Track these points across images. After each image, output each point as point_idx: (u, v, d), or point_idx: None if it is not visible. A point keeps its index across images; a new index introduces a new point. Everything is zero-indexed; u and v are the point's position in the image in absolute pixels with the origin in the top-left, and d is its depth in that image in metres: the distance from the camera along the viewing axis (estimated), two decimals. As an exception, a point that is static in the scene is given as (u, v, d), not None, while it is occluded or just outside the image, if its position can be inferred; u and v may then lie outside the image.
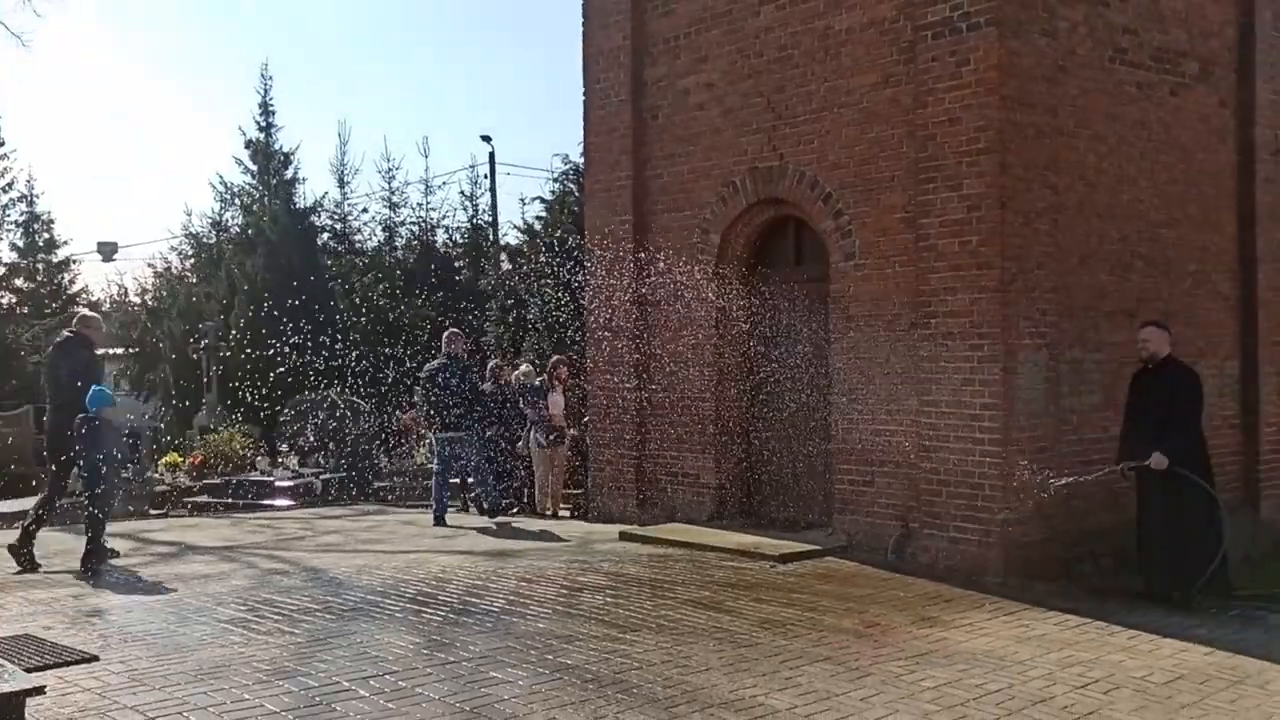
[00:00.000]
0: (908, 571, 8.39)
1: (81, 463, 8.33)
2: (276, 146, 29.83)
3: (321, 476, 15.38)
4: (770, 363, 10.46)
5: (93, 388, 8.42)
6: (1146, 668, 5.86)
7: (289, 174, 29.65)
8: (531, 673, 5.46)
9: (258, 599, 7.17)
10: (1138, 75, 9.44)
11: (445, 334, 11.89)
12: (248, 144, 29.94)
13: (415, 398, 12.00)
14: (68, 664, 5.42)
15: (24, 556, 8.44)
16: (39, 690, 4.57)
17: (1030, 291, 8.47)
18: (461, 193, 35.35)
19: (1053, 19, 8.68)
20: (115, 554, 8.60)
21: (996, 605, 7.33)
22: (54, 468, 8.70)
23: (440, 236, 30.24)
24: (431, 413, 11.38)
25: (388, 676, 5.33)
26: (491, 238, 30.10)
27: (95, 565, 8.23)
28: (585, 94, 11.71)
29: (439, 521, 11.18)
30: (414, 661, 5.62)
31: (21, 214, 32.58)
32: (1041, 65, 8.61)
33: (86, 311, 10.09)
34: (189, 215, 51.68)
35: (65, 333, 9.29)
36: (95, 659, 5.55)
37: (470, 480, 12.35)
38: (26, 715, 4.43)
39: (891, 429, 9.02)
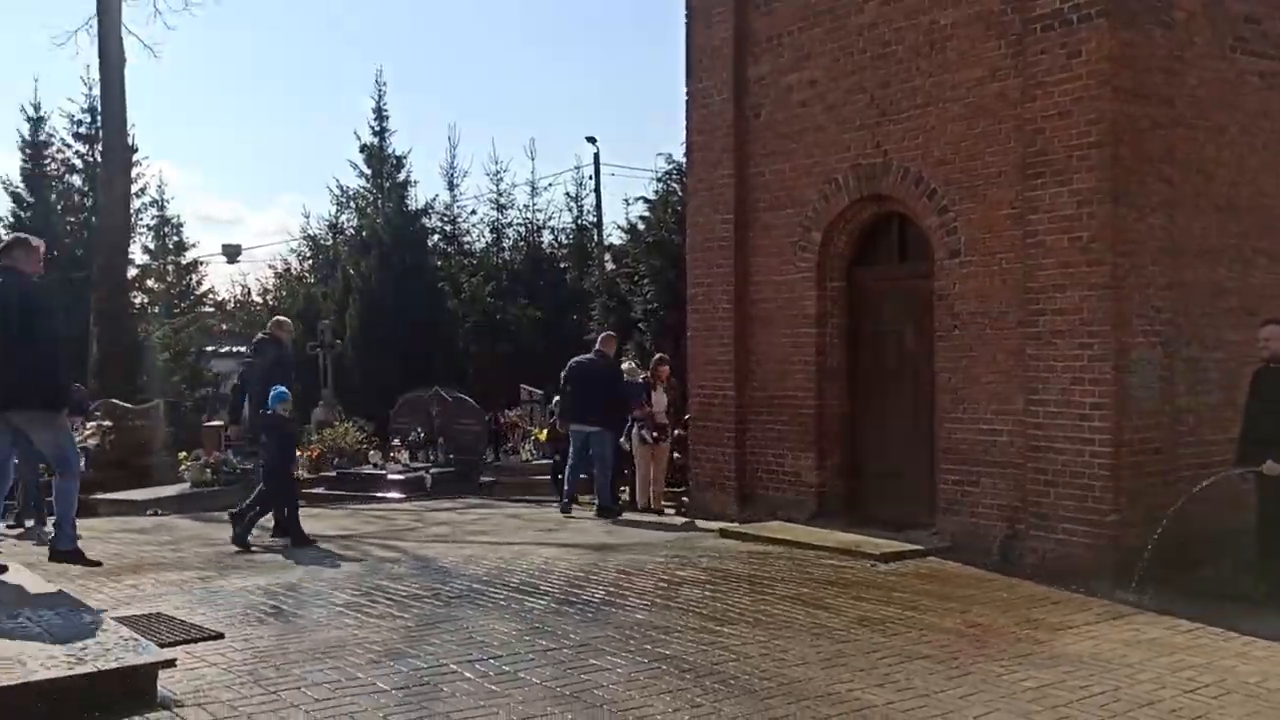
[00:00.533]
0: (1013, 573, 8.27)
1: (264, 454, 9.51)
2: (390, 151, 30.57)
3: (431, 471, 15.78)
4: (873, 361, 10.40)
5: (274, 388, 9.39)
6: (1261, 673, 5.69)
7: (401, 177, 30.37)
8: (630, 661, 5.57)
9: (371, 585, 7.44)
10: (1261, 64, 9.12)
11: (602, 335, 12.67)
12: (362, 148, 30.75)
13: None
14: (196, 640, 5.72)
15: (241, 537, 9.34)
16: (170, 663, 4.85)
17: (1144, 288, 8.27)
18: (567, 194, 35.67)
19: (1169, 9, 8.47)
20: (249, 548, 9.09)
21: (1106, 609, 7.18)
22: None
23: (546, 237, 30.63)
24: (571, 405, 11.95)
25: (492, 660, 5.50)
26: (596, 238, 30.42)
27: (295, 544, 9.19)
28: (687, 93, 11.80)
29: (566, 510, 11.64)
30: (516, 647, 5.78)
31: (153, 218, 34.02)
32: (1156, 56, 8.39)
33: (280, 316, 11.29)
34: (307, 218, 53.42)
35: (260, 334, 10.45)
36: (221, 636, 5.85)
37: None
38: (159, 685, 4.70)
39: (997, 428, 8.90)
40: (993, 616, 6.88)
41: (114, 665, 4.58)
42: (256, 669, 5.24)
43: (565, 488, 12.03)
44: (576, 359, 12.31)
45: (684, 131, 11.98)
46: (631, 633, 6.17)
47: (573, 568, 8.25)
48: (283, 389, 9.43)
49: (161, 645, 5.25)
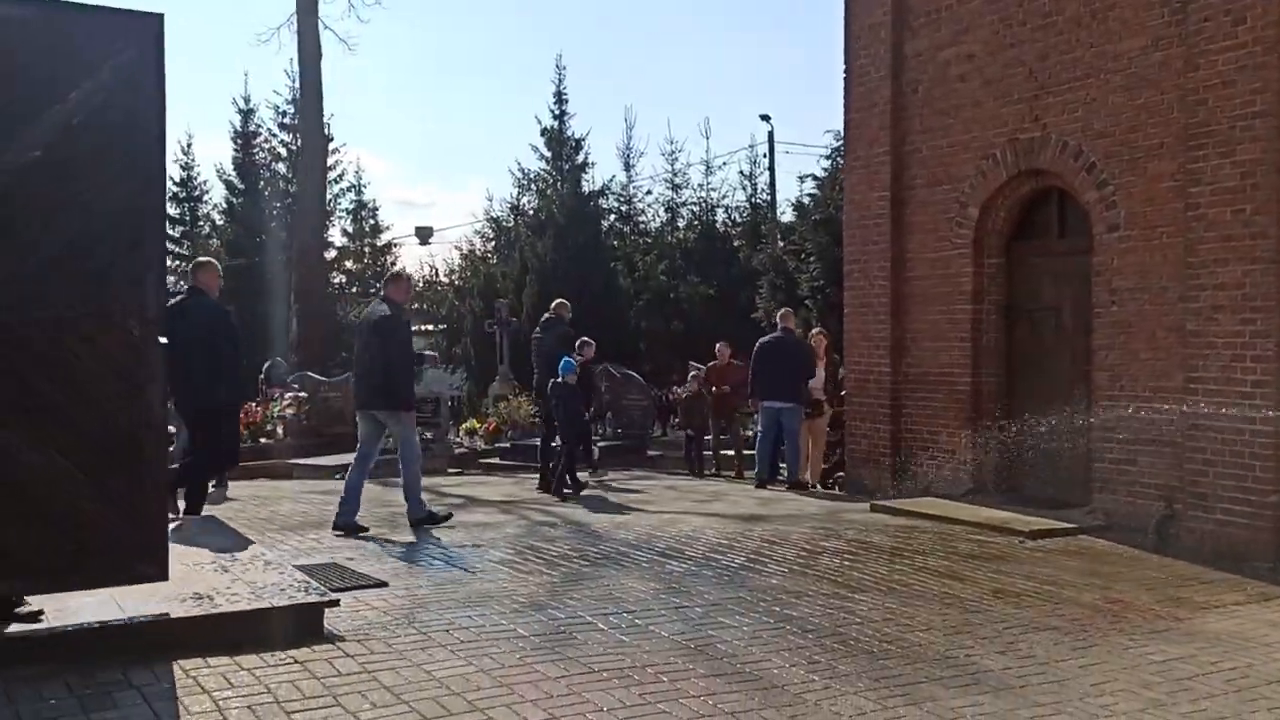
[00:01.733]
0: (1167, 553, 8.10)
1: (559, 417, 10.96)
2: (569, 133, 31.48)
3: (598, 444, 16.34)
4: (1030, 338, 10.26)
5: (562, 359, 10.87)
6: None
7: (580, 159, 31.24)
8: (756, 621, 5.84)
9: (525, 545, 7.96)
10: None
11: (781, 311, 13.26)
12: (543, 132, 31.77)
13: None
14: (362, 587, 6.34)
15: (567, 486, 10.95)
16: (334, 603, 5.44)
17: (1312, 262, 7.90)
18: (741, 172, 35.86)
19: (1348, -34, 8.00)
20: (584, 485, 11.03)
21: (1259, 590, 6.99)
22: (546, 420, 11.71)
23: (720, 216, 30.91)
24: (762, 383, 12.33)
25: (626, 615, 5.88)
26: (771, 216, 30.49)
27: (575, 492, 10.84)
28: (846, 70, 11.83)
29: (761, 485, 12.07)
30: (651, 604, 6.14)
31: (350, 203, 36.10)
32: (1332, 17, 7.96)
33: (561, 299, 12.56)
34: (490, 200, 55.37)
35: (547, 315, 12.16)
36: (385, 585, 6.45)
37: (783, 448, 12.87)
38: (325, 623, 5.30)
39: (1156, 406, 8.68)
40: (1135, 594, 6.80)
41: (286, 603, 5.20)
42: (412, 613, 5.79)
43: (759, 466, 12.37)
44: (765, 339, 12.61)
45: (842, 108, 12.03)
46: (763, 595, 6.44)
47: (719, 535, 8.56)
48: (569, 360, 10.82)
49: (332, 589, 5.86)
